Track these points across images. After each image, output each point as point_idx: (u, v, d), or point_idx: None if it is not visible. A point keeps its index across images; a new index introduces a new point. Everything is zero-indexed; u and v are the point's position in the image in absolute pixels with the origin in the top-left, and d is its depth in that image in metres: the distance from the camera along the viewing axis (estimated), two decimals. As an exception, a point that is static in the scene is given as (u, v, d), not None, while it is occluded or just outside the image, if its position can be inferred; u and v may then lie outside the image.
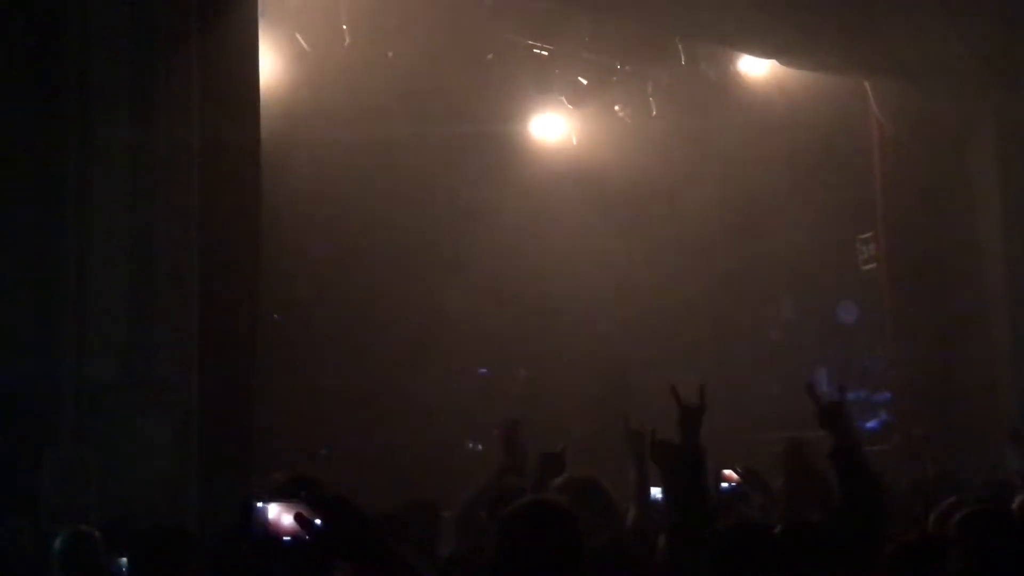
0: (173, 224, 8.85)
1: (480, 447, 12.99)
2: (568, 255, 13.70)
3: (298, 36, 12.00)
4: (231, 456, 8.67)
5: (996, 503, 5.32)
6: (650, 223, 14.33)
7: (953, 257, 13.25)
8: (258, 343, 9.34)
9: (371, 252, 12.92)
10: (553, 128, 14.25)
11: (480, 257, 13.40)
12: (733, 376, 13.95)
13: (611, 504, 5.43)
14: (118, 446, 8.26)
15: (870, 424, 13.22)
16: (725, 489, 6.45)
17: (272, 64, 11.27)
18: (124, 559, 5.53)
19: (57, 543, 5.89)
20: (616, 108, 14.37)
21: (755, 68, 13.86)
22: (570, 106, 14.05)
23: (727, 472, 6.52)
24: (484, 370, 13.89)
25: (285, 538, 2.81)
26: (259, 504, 2.85)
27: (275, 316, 11.47)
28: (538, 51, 13.34)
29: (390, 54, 12.60)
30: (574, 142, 14.32)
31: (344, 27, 12.09)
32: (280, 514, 2.83)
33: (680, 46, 13.58)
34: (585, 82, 13.88)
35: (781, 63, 13.37)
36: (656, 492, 5.40)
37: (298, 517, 2.82)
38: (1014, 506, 5.53)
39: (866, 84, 13.23)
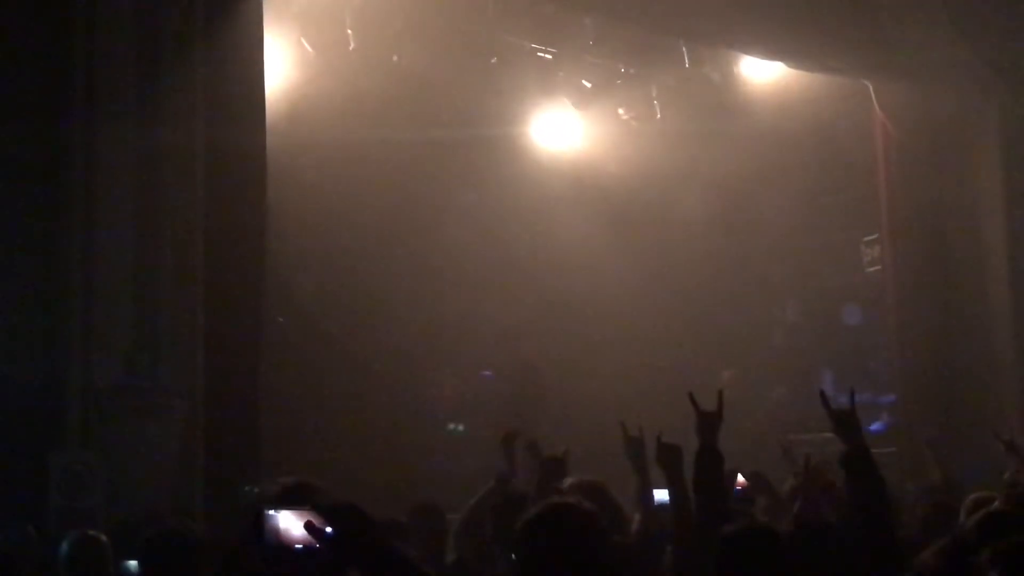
0: (178, 228, 8.86)
1: (461, 428, 12.99)
2: (572, 258, 13.69)
3: (303, 40, 12.01)
4: (237, 460, 8.68)
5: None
6: (654, 226, 14.33)
7: (958, 259, 13.25)
8: (263, 347, 9.34)
9: (375, 254, 12.92)
10: (557, 131, 14.23)
11: (484, 260, 13.40)
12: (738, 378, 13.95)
13: (617, 508, 5.45)
14: (124, 450, 8.26)
15: (874, 427, 13.19)
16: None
17: (277, 68, 11.28)
18: (131, 563, 5.53)
19: (63, 547, 5.89)
20: (620, 111, 14.38)
21: (759, 71, 13.87)
22: (574, 109, 14.06)
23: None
24: (488, 372, 13.88)
25: (296, 546, 2.82)
26: (269, 512, 2.85)
27: (280, 319, 11.46)
28: (542, 54, 13.35)
29: (395, 57, 12.61)
30: (578, 145, 14.31)
31: (349, 31, 12.11)
32: (290, 522, 2.83)
33: (684, 49, 13.60)
34: (589, 85, 13.89)
35: (786, 65, 13.38)
36: (661, 496, 5.42)
37: (308, 525, 2.82)
38: None
39: (870, 86, 13.22)
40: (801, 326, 15.27)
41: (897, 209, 13.51)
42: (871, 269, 14.06)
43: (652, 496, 5.54)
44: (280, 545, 2.82)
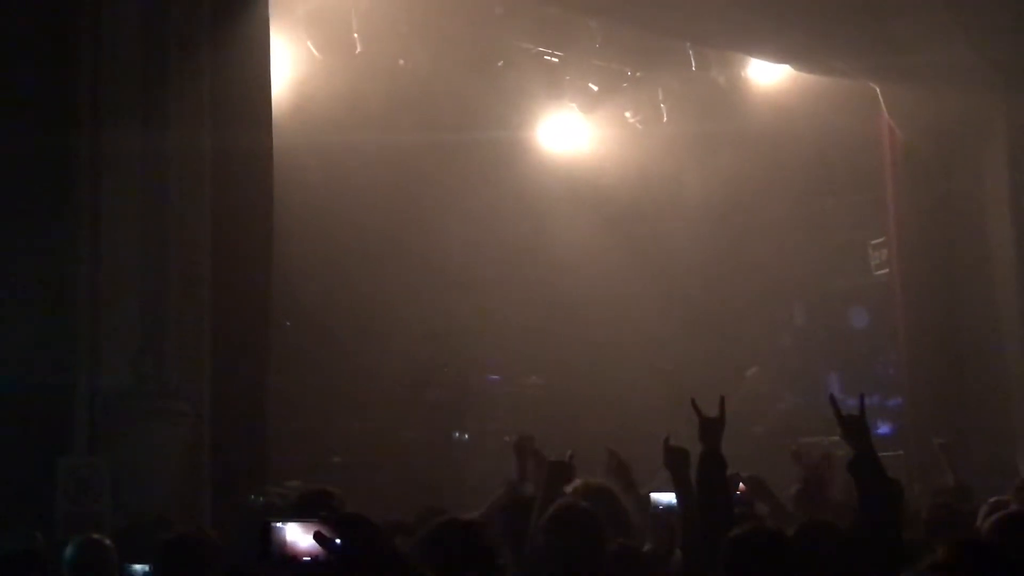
0: (185, 231, 8.86)
1: (466, 436, 13.00)
2: (579, 261, 13.69)
3: (309, 44, 12.03)
4: (244, 464, 8.68)
5: None
6: (661, 228, 14.33)
7: (965, 262, 13.23)
8: (270, 351, 9.35)
9: (382, 258, 12.92)
10: (564, 134, 14.24)
11: (490, 263, 13.40)
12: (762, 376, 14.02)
13: (623, 511, 5.43)
14: (131, 454, 8.25)
15: (882, 430, 13.17)
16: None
17: (283, 72, 11.28)
18: (136, 567, 5.54)
19: (69, 551, 5.90)
20: (627, 114, 14.38)
21: (766, 73, 13.87)
22: (581, 112, 14.06)
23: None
24: (495, 377, 13.87)
25: (304, 557, 2.82)
26: (278, 524, 2.85)
27: (287, 323, 11.47)
28: (549, 58, 13.37)
29: (401, 61, 12.63)
30: (585, 148, 14.31)
31: (355, 35, 12.13)
32: (297, 534, 2.83)
33: (691, 52, 13.61)
34: (596, 88, 13.90)
35: (792, 68, 13.37)
36: (668, 498, 5.41)
37: (317, 536, 2.82)
38: None
39: (877, 88, 13.21)
40: (809, 329, 15.26)
41: (904, 212, 13.50)
42: (879, 272, 14.05)
43: (693, 507, 5.32)
44: (287, 557, 2.82)
